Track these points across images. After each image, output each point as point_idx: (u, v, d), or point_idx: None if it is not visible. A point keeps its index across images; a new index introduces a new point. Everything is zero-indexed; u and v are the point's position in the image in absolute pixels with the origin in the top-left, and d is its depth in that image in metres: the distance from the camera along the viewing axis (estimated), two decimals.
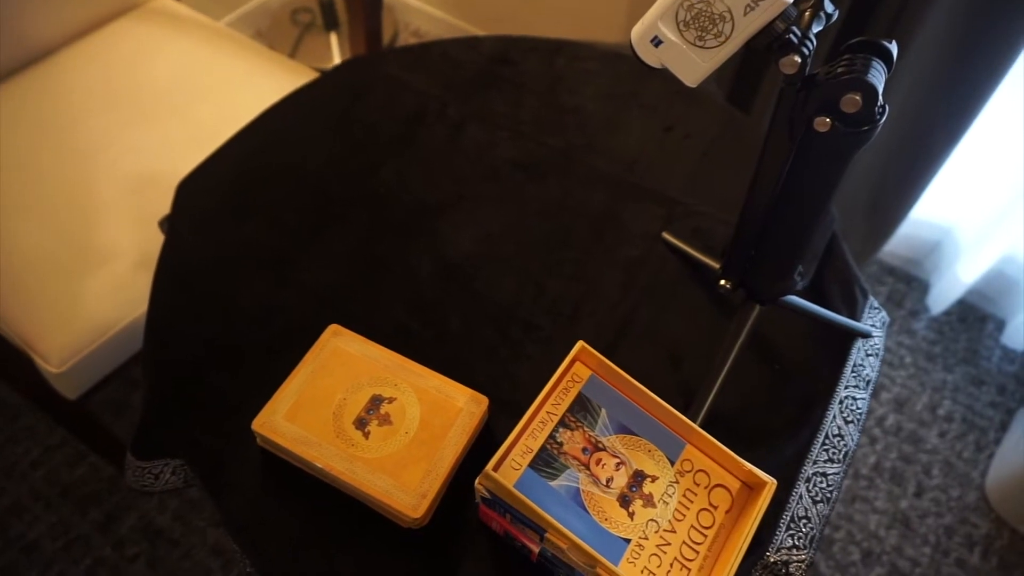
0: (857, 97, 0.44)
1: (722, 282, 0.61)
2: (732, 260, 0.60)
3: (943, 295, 1.41)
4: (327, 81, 0.87)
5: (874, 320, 0.69)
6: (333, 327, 0.61)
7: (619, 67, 0.87)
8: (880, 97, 0.44)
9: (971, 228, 1.36)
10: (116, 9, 1.14)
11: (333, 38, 1.80)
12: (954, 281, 1.37)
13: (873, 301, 0.70)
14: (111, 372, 0.92)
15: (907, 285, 1.49)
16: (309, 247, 0.71)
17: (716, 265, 0.65)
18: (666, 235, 0.71)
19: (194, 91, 1.05)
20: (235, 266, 0.69)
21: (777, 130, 0.49)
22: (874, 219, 1.31)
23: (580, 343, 0.52)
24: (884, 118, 0.46)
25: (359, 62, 0.89)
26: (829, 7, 0.47)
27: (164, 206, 0.75)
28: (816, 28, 0.46)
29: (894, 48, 0.46)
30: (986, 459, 1.29)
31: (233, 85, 1.07)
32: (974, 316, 1.45)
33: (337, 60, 1.78)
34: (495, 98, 0.84)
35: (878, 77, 0.45)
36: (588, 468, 0.49)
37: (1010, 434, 1.29)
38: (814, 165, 0.50)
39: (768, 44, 0.44)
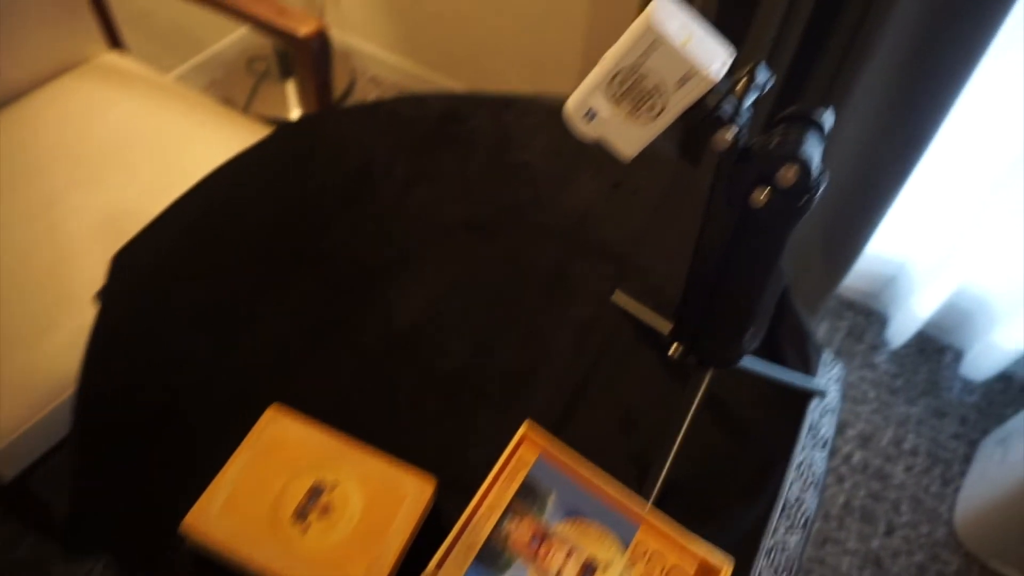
0: (792, 172, 0.43)
1: (672, 348, 0.59)
2: (681, 324, 0.59)
3: (901, 328, 1.43)
4: (274, 141, 0.85)
5: (829, 375, 0.68)
6: (273, 407, 0.58)
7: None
8: (815, 170, 0.44)
9: (924, 262, 1.38)
10: (61, 66, 1.12)
11: (290, 86, 1.79)
12: (911, 315, 1.39)
13: (827, 356, 0.69)
14: (51, 448, 0.88)
15: (866, 319, 1.51)
16: (253, 313, 0.68)
17: (665, 331, 0.63)
18: (615, 299, 0.70)
19: (143, 150, 1.02)
20: (174, 336, 0.66)
21: (717, 200, 0.48)
22: (829, 257, 1.32)
23: (527, 423, 0.50)
24: (822, 189, 0.46)
25: (307, 121, 0.88)
26: (762, 77, 0.46)
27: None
28: (751, 98, 0.46)
29: (829, 120, 0.46)
30: (952, 493, 1.29)
31: (183, 142, 1.04)
32: (932, 347, 1.47)
33: (294, 108, 1.77)
34: (444, 156, 0.83)
35: (814, 148, 0.45)
36: (536, 559, 0.47)
37: (974, 467, 1.29)
38: (756, 234, 0.49)
39: (701, 119, 0.43)
